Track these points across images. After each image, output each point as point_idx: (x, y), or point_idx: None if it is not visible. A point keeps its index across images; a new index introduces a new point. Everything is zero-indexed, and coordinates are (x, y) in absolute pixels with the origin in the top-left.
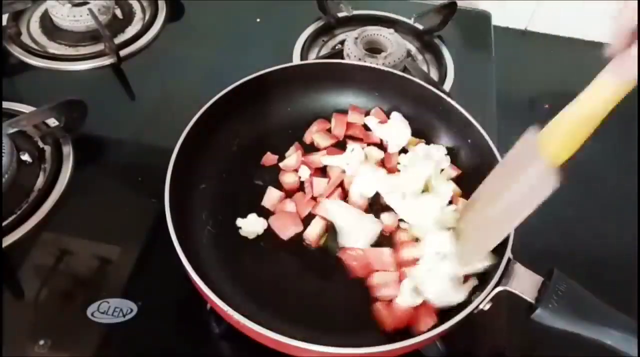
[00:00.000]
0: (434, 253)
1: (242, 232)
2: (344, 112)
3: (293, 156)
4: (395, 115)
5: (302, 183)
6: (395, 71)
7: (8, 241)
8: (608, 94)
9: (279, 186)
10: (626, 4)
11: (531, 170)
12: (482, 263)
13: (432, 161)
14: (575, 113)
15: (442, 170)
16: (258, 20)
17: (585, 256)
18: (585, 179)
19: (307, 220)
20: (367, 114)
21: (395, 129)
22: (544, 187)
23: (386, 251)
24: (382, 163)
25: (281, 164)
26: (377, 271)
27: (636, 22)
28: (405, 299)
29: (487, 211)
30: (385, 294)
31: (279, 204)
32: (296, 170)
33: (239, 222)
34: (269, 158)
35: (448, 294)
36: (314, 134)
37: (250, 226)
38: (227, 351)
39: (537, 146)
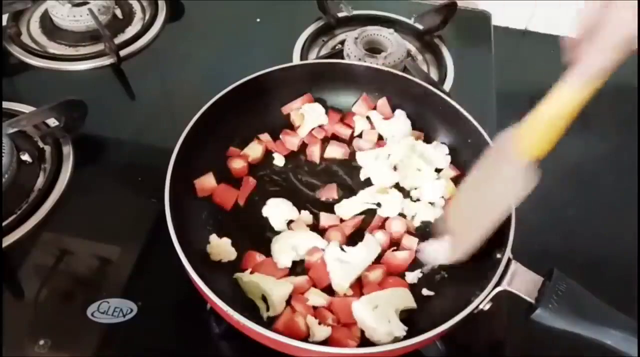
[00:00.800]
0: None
1: (214, 258)
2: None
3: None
4: (399, 113)
5: (250, 167)
6: (395, 71)
7: (8, 241)
8: (575, 94)
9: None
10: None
11: (506, 169)
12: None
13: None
14: (546, 112)
15: (442, 170)
16: (258, 20)
17: (585, 256)
18: (585, 179)
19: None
20: (373, 108)
21: (396, 126)
22: (518, 184)
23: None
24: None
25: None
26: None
27: (594, 20)
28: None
29: (470, 210)
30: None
31: None
32: (245, 157)
33: (208, 248)
34: None
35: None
36: (293, 111)
37: (221, 250)
38: (227, 351)
39: (512, 146)
